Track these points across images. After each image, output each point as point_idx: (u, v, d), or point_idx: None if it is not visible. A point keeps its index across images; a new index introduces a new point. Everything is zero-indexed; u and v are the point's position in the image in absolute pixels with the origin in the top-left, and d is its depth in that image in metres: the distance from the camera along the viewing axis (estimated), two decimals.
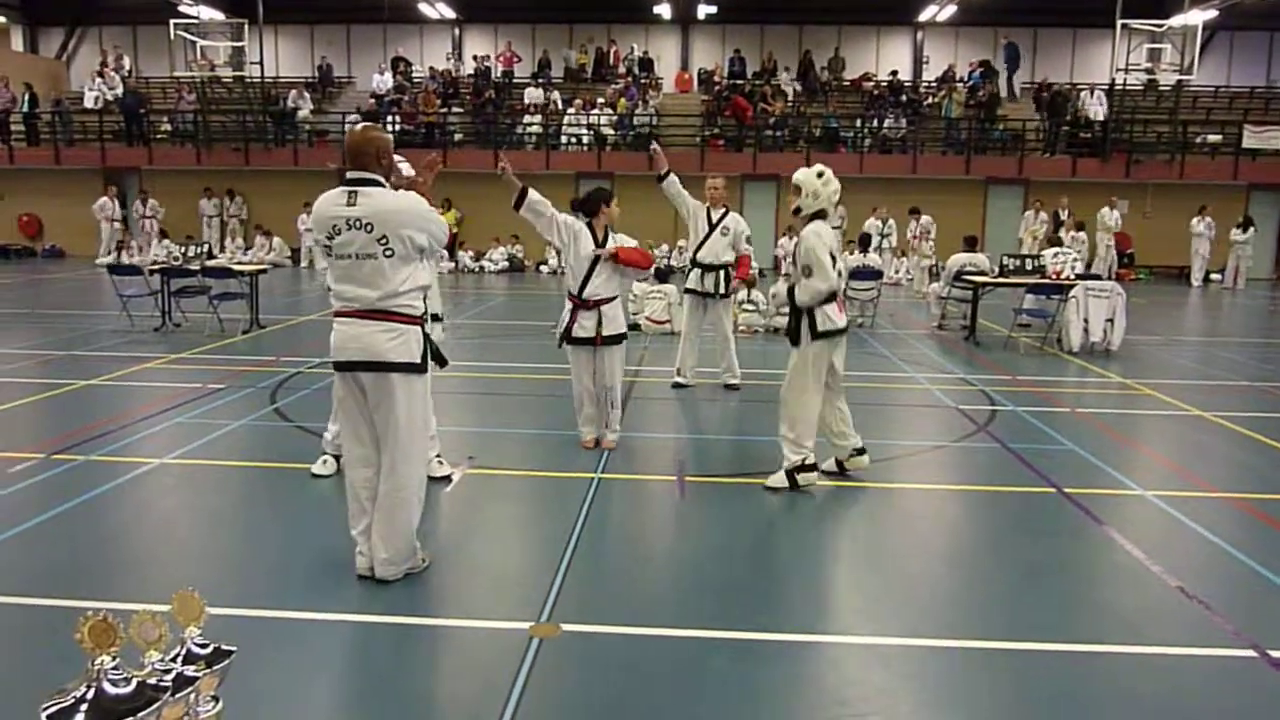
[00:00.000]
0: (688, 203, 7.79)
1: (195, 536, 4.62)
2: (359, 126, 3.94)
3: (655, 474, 5.64)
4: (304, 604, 3.72)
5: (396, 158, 4.23)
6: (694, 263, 7.89)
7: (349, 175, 3.75)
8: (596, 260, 5.80)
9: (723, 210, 7.88)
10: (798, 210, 5.20)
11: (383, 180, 3.78)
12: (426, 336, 3.89)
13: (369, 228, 3.65)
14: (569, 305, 5.91)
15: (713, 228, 7.80)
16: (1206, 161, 21.22)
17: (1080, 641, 3.54)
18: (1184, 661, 3.42)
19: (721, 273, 7.80)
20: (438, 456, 5.41)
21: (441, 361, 4.24)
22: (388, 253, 3.67)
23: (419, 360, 3.80)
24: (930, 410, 7.66)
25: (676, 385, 8.02)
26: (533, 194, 5.71)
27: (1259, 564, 4.31)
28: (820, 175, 5.17)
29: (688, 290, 7.97)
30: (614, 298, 5.92)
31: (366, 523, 3.90)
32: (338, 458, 4.90)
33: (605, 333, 5.84)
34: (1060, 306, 10.58)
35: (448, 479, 5.33)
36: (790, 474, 5.21)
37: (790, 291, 5.20)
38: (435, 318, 4.99)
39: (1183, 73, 20.84)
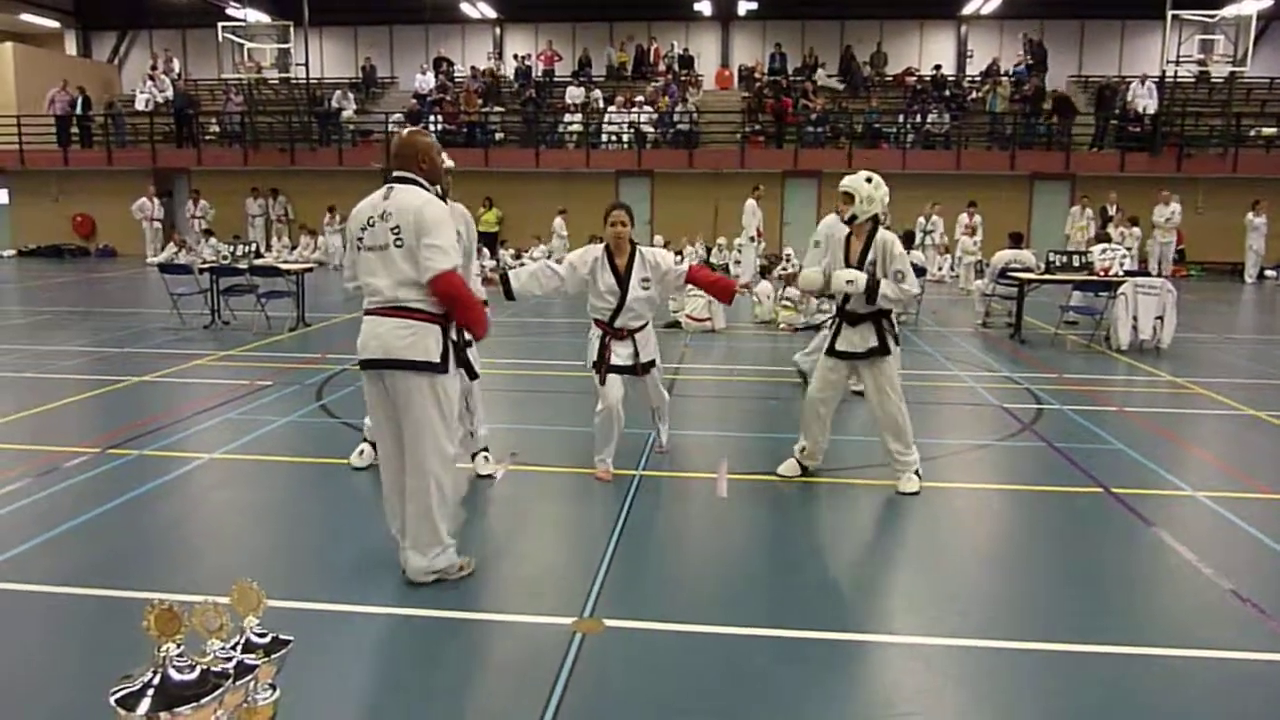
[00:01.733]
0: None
1: (244, 530, 4.72)
2: (405, 130, 4.03)
3: (697, 472, 5.65)
4: (349, 597, 3.78)
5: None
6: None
7: (394, 174, 3.86)
8: (625, 295, 5.34)
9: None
10: (852, 219, 5.16)
11: (423, 181, 3.85)
12: (448, 337, 3.77)
13: (388, 217, 3.72)
14: (597, 331, 5.47)
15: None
16: (1261, 155, 20.66)
17: (1129, 644, 3.48)
18: (1237, 665, 3.35)
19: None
20: (484, 453, 5.46)
21: (472, 374, 4.28)
22: (398, 243, 3.70)
23: (438, 360, 3.71)
24: (975, 409, 7.58)
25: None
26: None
27: None
28: (869, 180, 5.14)
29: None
30: (646, 324, 5.53)
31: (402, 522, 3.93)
32: (374, 445, 4.59)
33: (643, 359, 5.51)
34: (1109, 304, 10.39)
35: (491, 477, 5.39)
36: (917, 473, 5.26)
37: (870, 288, 5.08)
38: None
39: (1236, 64, 20.28)
